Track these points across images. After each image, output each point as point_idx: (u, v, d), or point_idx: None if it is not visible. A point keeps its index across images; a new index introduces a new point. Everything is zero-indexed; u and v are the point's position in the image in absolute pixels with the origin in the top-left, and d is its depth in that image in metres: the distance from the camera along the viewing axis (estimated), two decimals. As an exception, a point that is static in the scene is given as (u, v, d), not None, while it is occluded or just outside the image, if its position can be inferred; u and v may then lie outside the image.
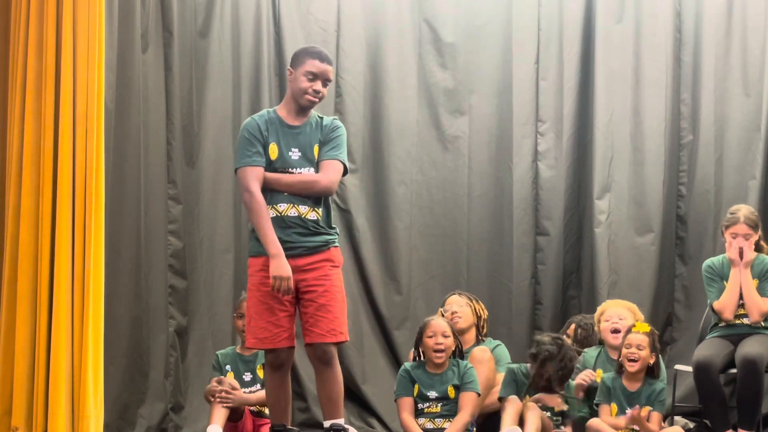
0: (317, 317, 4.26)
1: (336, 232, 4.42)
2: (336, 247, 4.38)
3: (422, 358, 5.20)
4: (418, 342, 5.21)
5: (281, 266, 4.19)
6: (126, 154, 6.01)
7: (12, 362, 5.17)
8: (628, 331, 5.18)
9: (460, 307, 5.65)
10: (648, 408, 5.07)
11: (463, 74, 6.70)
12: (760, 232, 5.54)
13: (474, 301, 5.73)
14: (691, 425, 5.69)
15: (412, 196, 6.64)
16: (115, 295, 5.85)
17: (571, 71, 6.70)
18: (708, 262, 5.66)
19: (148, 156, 6.13)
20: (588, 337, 5.73)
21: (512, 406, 4.98)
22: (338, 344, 4.34)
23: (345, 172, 4.42)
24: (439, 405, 5.09)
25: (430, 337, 5.13)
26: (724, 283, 5.47)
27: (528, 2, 6.68)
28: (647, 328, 5.16)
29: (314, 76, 4.32)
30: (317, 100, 4.35)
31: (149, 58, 6.14)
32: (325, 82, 4.36)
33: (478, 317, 5.70)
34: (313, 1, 6.53)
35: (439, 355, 5.10)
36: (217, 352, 5.39)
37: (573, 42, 6.70)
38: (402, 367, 5.26)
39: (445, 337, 5.13)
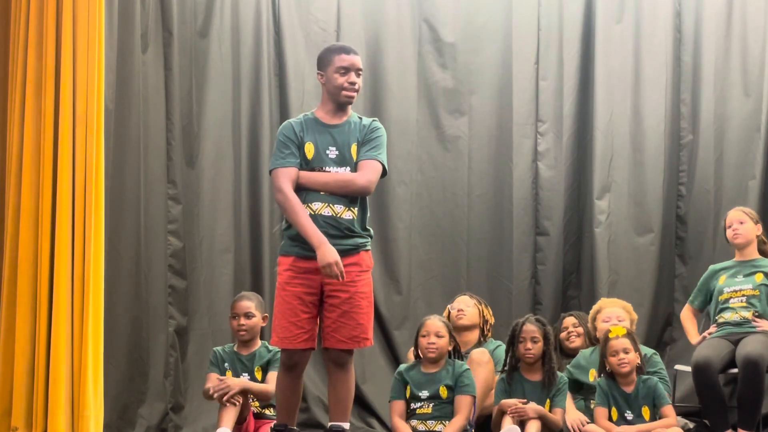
0: (340, 323, 4.25)
1: (369, 235, 4.37)
2: (366, 250, 4.33)
3: (420, 358, 5.21)
4: (417, 341, 5.23)
5: (326, 254, 4.14)
6: (126, 154, 6.01)
7: (12, 362, 5.17)
8: (606, 338, 5.17)
9: (467, 307, 5.70)
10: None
11: (463, 74, 6.70)
12: (760, 227, 5.61)
13: (483, 305, 5.76)
14: (691, 425, 5.69)
15: (412, 196, 6.64)
16: (115, 295, 5.85)
17: (571, 71, 6.70)
18: (712, 266, 5.75)
19: (148, 156, 6.13)
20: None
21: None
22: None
23: (384, 173, 4.38)
24: (431, 405, 5.08)
25: (424, 336, 5.15)
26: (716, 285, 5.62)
27: (528, 2, 6.69)
28: (623, 330, 5.16)
29: (346, 70, 4.29)
30: (355, 92, 4.32)
31: (149, 58, 6.13)
32: (358, 72, 4.32)
33: (485, 321, 5.73)
34: (313, 1, 6.53)
35: (431, 349, 5.11)
36: (215, 348, 5.37)
37: (573, 42, 6.71)
38: (397, 370, 5.27)
39: (439, 336, 5.12)
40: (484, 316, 5.75)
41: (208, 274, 6.30)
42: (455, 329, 5.51)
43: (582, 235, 6.68)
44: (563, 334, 5.81)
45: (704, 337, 5.49)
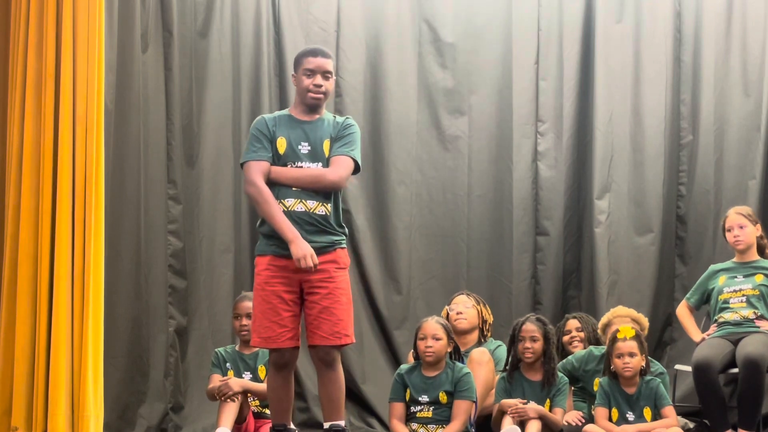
0: (321, 319, 4.26)
1: (344, 233, 4.39)
2: (343, 248, 4.36)
3: (419, 359, 5.21)
4: (415, 343, 5.22)
5: (300, 247, 4.18)
6: (126, 154, 6.01)
7: (12, 362, 5.17)
8: (614, 338, 5.15)
9: (466, 308, 5.69)
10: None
11: (463, 74, 6.70)
12: (759, 227, 5.61)
13: (481, 304, 5.76)
14: (691, 425, 5.69)
15: (412, 196, 6.64)
16: (115, 295, 5.85)
17: (571, 71, 6.70)
18: (713, 266, 5.74)
19: (148, 156, 6.13)
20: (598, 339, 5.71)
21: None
22: (342, 346, 4.34)
23: (357, 169, 4.40)
24: (431, 410, 5.08)
25: (422, 339, 5.13)
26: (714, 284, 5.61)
27: (528, 2, 6.68)
28: (632, 332, 5.14)
29: (312, 72, 4.33)
30: (320, 95, 4.34)
31: (149, 58, 6.13)
32: (325, 74, 4.34)
33: (484, 321, 5.73)
34: (313, 1, 6.53)
35: (428, 353, 5.10)
36: (217, 350, 5.38)
37: (573, 42, 6.70)
38: (397, 371, 5.25)
39: (436, 339, 5.10)
40: (482, 316, 5.74)
41: (208, 274, 6.30)
42: (454, 332, 5.51)
43: (582, 235, 6.68)
44: (566, 338, 5.79)
45: (704, 338, 5.49)
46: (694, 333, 5.62)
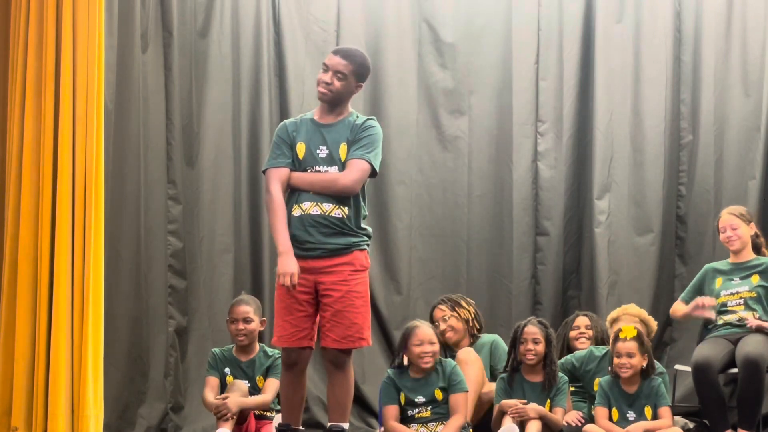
0: (333, 323, 4.25)
1: (365, 234, 4.35)
2: (362, 250, 4.32)
3: (405, 364, 5.13)
4: (402, 348, 5.13)
5: (285, 263, 4.19)
6: (126, 154, 6.02)
7: (12, 362, 5.17)
8: (616, 337, 5.13)
9: (445, 322, 5.57)
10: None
11: (463, 74, 6.70)
12: (754, 226, 5.60)
13: (457, 308, 5.63)
14: (691, 425, 5.69)
15: (412, 196, 6.64)
16: (115, 295, 5.85)
17: (571, 71, 6.70)
18: (708, 265, 5.72)
19: (148, 156, 6.13)
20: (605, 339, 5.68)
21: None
22: (354, 349, 4.32)
23: (374, 173, 4.34)
24: (429, 409, 5.06)
25: (418, 345, 5.06)
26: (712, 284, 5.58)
27: (528, 2, 6.68)
28: (634, 332, 5.10)
29: (325, 68, 4.33)
30: (326, 90, 4.31)
31: (149, 58, 6.14)
32: (337, 74, 4.30)
33: (466, 320, 5.62)
34: (313, 1, 6.53)
35: (427, 360, 5.05)
36: (214, 350, 5.36)
37: (573, 42, 6.70)
38: (386, 375, 5.18)
39: (432, 344, 5.04)
40: (462, 317, 5.61)
41: (208, 274, 6.30)
42: (446, 347, 5.47)
43: (582, 235, 6.68)
44: (573, 333, 5.74)
45: (696, 305, 5.44)
46: (688, 309, 5.54)
